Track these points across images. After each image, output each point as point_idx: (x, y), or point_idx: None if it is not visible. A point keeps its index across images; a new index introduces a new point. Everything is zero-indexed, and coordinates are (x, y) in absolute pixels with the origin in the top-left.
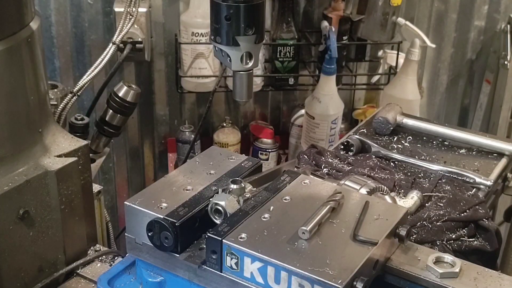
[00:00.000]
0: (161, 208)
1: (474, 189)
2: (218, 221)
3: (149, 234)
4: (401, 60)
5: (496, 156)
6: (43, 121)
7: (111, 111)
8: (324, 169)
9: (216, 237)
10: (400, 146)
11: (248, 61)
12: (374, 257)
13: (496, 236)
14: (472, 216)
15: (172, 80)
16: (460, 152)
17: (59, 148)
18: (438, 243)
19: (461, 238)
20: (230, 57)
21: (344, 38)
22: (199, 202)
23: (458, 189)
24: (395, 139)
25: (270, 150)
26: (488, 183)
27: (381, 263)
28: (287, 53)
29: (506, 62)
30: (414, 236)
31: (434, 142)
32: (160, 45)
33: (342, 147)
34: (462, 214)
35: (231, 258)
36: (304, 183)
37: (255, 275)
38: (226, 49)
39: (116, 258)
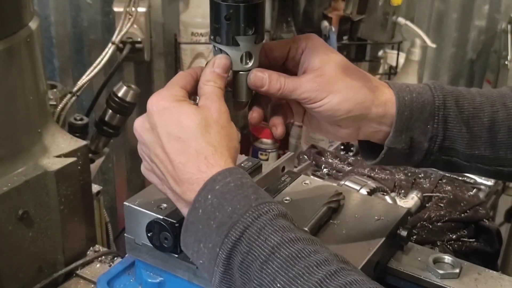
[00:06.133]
0: (161, 208)
1: (475, 189)
2: None
3: (149, 234)
4: (401, 60)
5: None
6: (42, 121)
7: (110, 111)
8: (324, 169)
9: None
10: None
11: (248, 61)
12: (375, 258)
13: (497, 236)
14: (473, 216)
15: None
16: None
17: (59, 148)
18: (438, 244)
19: (462, 239)
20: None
21: (344, 38)
22: None
23: (458, 189)
24: None
25: (270, 150)
26: (489, 183)
27: (382, 264)
28: None
29: (506, 62)
30: (414, 237)
31: None
32: (160, 45)
33: (342, 147)
34: (463, 215)
35: None
36: (305, 183)
37: None
38: (225, 49)
39: (115, 258)
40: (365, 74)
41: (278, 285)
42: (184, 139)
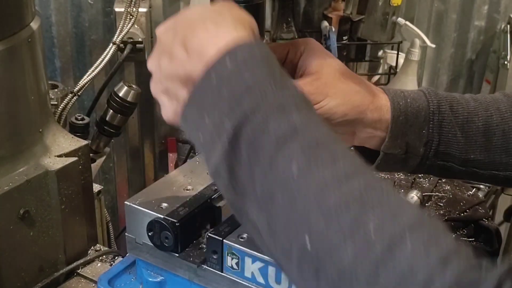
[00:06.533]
0: (161, 208)
1: (474, 189)
2: None
3: (149, 234)
4: (401, 60)
5: None
6: (44, 121)
7: (111, 111)
8: None
9: (217, 237)
10: None
11: None
12: None
13: (496, 236)
14: (472, 216)
15: None
16: None
17: (60, 148)
18: None
19: (461, 238)
20: None
21: (344, 38)
22: (199, 201)
23: (458, 189)
24: None
25: None
26: None
27: None
28: None
29: (506, 62)
30: None
31: None
32: None
33: None
34: (462, 214)
35: (232, 258)
36: None
37: (256, 275)
38: None
39: (116, 258)
40: (362, 79)
41: (294, 168)
42: (198, 16)
